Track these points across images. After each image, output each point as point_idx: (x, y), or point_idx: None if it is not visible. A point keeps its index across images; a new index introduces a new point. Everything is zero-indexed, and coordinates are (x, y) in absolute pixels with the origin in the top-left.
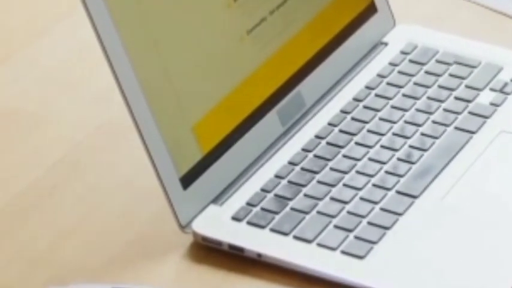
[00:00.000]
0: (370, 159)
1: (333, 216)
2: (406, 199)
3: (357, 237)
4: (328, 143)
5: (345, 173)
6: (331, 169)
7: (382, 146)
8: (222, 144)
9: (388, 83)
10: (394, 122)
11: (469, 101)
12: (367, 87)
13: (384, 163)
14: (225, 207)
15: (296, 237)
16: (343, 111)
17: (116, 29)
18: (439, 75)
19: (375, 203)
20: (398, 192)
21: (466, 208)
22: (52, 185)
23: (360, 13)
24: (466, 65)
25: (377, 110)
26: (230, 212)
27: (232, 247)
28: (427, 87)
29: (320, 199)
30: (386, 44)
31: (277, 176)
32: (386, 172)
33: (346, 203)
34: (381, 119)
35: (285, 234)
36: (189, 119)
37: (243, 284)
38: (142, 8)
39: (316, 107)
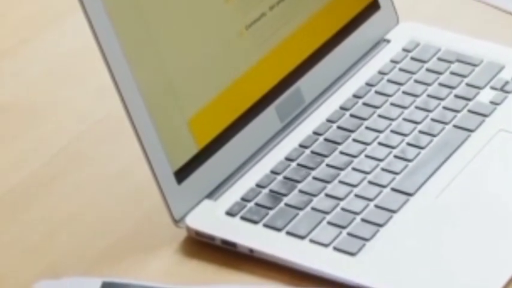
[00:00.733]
0: (367, 156)
1: (326, 213)
2: (401, 197)
3: (349, 234)
4: (326, 140)
5: (341, 169)
6: (328, 165)
7: (379, 143)
8: (219, 139)
9: (389, 80)
10: (393, 119)
11: (469, 99)
12: (368, 84)
13: (381, 160)
14: (219, 202)
15: (289, 233)
16: (342, 108)
17: (111, 23)
18: (440, 73)
19: (370, 200)
20: (393, 189)
21: (460, 207)
22: (51, 176)
23: (362, 10)
24: (468, 63)
25: (376, 107)
26: (224, 207)
27: (225, 242)
28: (428, 84)
29: (315, 195)
30: (388, 41)
31: (273, 172)
32: (383, 169)
33: (340, 199)
34: (379, 116)
35: (278, 230)
36: (185, 113)
37: (234, 279)
38: (139, 2)
39: (316, 104)
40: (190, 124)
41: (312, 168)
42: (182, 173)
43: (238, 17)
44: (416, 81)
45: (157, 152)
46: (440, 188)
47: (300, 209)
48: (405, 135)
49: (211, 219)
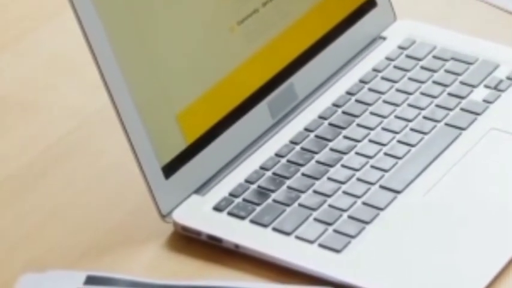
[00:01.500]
0: (357, 153)
1: (313, 209)
2: (389, 194)
3: (335, 231)
4: (317, 136)
5: (331, 166)
6: (317, 162)
7: (370, 141)
8: (208, 134)
9: (383, 78)
10: (385, 117)
11: (462, 98)
12: (361, 81)
13: (371, 157)
14: (207, 197)
15: (275, 229)
16: (335, 105)
17: (99, 16)
18: (434, 71)
19: (358, 197)
20: (381, 186)
21: (447, 205)
22: (39, 170)
23: (358, 7)
24: (463, 62)
25: (368, 104)
26: (212, 203)
27: (211, 237)
28: (422, 82)
29: (303, 192)
30: (384, 38)
31: (262, 168)
32: (372, 166)
33: (328, 196)
34: (371, 113)
35: (264, 226)
36: (173, 108)
37: (219, 274)
38: None
39: (308, 100)
40: (179, 119)
41: (302, 165)
42: (170, 168)
43: (230, 13)
44: (410, 78)
45: (145, 146)
46: (428, 186)
47: (288, 205)
48: (396, 132)
49: (198, 214)
